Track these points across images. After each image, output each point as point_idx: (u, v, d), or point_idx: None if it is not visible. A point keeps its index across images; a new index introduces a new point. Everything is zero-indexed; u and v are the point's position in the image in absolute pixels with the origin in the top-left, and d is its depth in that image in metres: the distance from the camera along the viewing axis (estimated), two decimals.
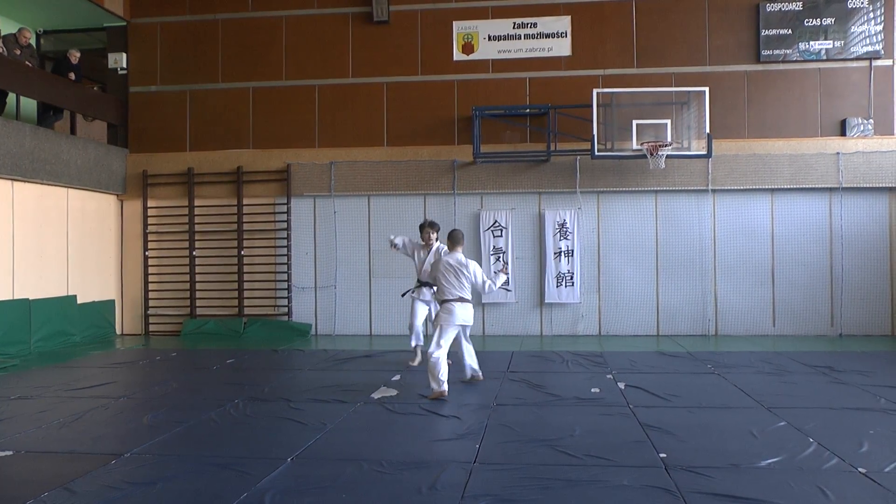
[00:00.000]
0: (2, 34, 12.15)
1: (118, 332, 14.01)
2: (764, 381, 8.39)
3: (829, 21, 12.93)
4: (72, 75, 13.05)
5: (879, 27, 12.84)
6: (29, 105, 12.76)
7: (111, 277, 13.90)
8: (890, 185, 12.63)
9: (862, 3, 12.89)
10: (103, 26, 14.29)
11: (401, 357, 10.44)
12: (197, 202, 13.88)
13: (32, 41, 12.96)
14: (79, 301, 12.78)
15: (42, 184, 11.94)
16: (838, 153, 12.67)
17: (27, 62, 12.09)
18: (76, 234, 12.84)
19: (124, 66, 14.20)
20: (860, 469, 5.09)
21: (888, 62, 12.87)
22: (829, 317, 12.83)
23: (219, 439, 6.09)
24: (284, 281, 13.62)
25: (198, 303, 13.79)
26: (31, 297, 11.59)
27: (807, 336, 12.70)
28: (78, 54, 13.27)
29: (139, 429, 6.46)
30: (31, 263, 11.75)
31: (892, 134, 12.77)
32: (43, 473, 5.22)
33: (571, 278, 12.99)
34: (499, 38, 13.47)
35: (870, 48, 12.86)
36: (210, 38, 14.11)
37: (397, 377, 8.84)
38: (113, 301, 13.87)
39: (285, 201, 13.65)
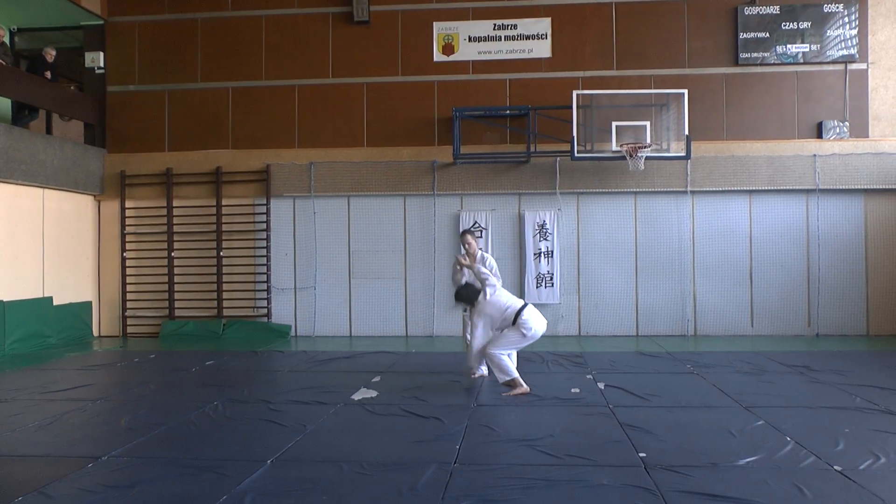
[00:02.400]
0: None
1: (95, 333, 13.87)
2: (742, 381, 8.46)
3: (805, 25, 13.08)
4: (48, 74, 12.90)
5: (854, 31, 13.00)
6: (3, 104, 12.61)
7: (88, 279, 13.76)
8: (865, 187, 12.79)
9: (837, 7, 13.04)
10: (80, 25, 14.14)
11: (380, 358, 10.44)
12: (175, 203, 13.78)
13: (6, 39, 12.82)
14: (55, 302, 12.63)
15: (17, 184, 11.79)
16: (815, 155, 12.80)
17: (1, 61, 11.94)
18: (52, 234, 12.70)
19: (102, 65, 14.06)
20: (836, 467, 5.14)
21: (863, 66, 13.03)
22: (806, 317, 12.96)
23: (198, 441, 6.04)
24: (264, 282, 13.55)
25: (176, 304, 13.69)
26: (5, 299, 11.44)
27: (784, 336, 12.83)
28: (54, 53, 13.12)
29: (117, 431, 6.40)
30: (6, 264, 11.59)
31: (867, 136, 12.93)
32: (17, 478, 5.15)
33: (551, 279, 13.03)
34: (479, 39, 13.50)
35: (845, 52, 13.02)
36: (189, 37, 14.02)
37: (377, 378, 8.82)
38: (90, 303, 13.73)
39: (265, 202, 13.58)
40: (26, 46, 14.66)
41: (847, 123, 12.91)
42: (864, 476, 4.96)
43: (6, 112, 12.73)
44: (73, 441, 6.10)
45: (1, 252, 11.48)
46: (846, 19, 13.03)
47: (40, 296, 12.35)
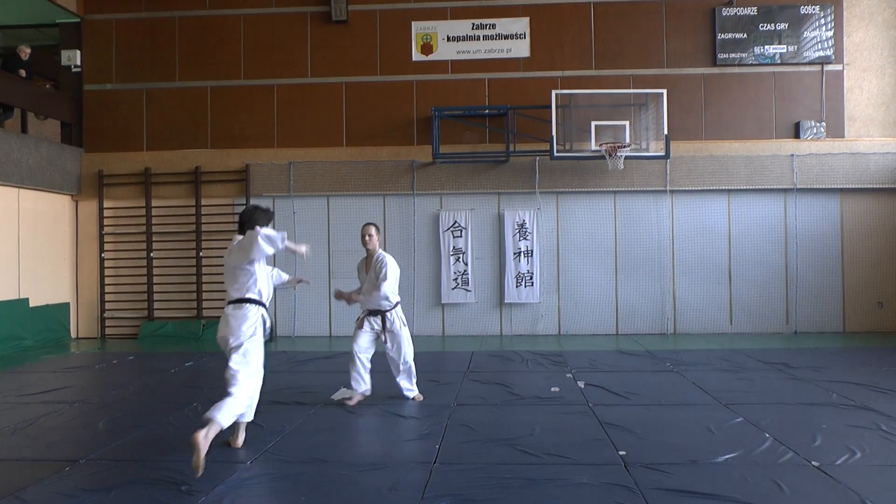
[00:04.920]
0: None
1: (73, 335, 13.72)
2: (721, 378, 8.52)
3: (782, 26, 13.19)
4: (22, 72, 12.75)
5: (830, 33, 13.13)
6: None
7: (66, 280, 13.60)
8: (841, 187, 12.93)
9: (813, 9, 13.17)
10: (56, 22, 13.97)
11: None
12: (154, 203, 13.66)
13: None
14: (31, 304, 12.48)
15: None
16: (792, 155, 12.92)
17: None
18: (28, 235, 12.54)
19: (78, 63, 13.90)
20: (814, 463, 5.20)
21: (838, 67, 13.17)
22: (785, 314, 13.08)
23: (177, 443, 5.99)
24: None
25: (155, 305, 13.57)
26: None
27: (763, 333, 12.93)
28: (28, 50, 12.97)
29: (95, 434, 6.33)
30: None
31: (843, 137, 13.07)
32: None
33: (531, 278, 13.06)
34: (458, 38, 13.49)
35: (821, 53, 13.15)
36: (167, 35, 13.90)
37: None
38: (68, 304, 13.58)
39: (244, 202, 13.49)
40: (0, 44, 14.46)
41: (824, 124, 13.04)
42: (840, 471, 5.02)
43: None
44: (50, 444, 6.03)
45: None
46: (822, 21, 13.16)
47: (16, 297, 12.20)
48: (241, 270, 5.77)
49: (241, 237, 5.74)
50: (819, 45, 13.17)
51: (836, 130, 13.11)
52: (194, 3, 13.86)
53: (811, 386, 8.02)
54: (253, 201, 13.44)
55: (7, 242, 12.08)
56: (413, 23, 13.57)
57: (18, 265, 12.31)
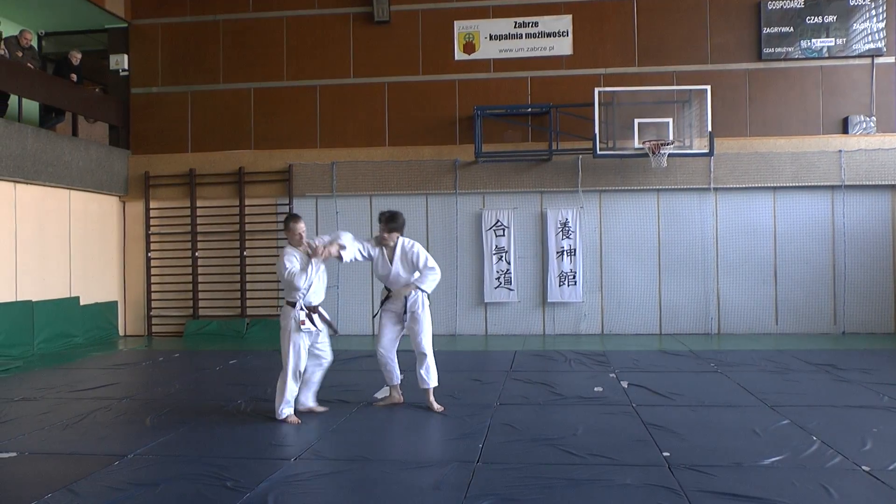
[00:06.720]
0: (3, 36, 12.15)
1: (121, 333, 14.01)
2: (767, 380, 8.38)
3: (830, 19, 12.92)
4: (73, 77, 13.05)
5: (881, 24, 12.82)
6: (31, 107, 12.77)
7: (114, 279, 13.90)
8: (892, 183, 12.61)
9: (864, 0, 12.87)
10: (104, 28, 14.29)
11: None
12: (199, 203, 13.89)
13: (34, 43, 12.97)
14: (81, 302, 12.78)
15: (44, 185, 11.95)
16: (840, 151, 12.65)
17: (29, 64, 12.09)
18: (78, 235, 12.85)
19: (125, 67, 14.20)
20: (864, 467, 5.08)
21: (890, 59, 12.85)
22: (832, 314, 12.81)
23: (221, 440, 6.09)
24: None
25: (200, 304, 13.80)
26: (33, 299, 11.59)
27: (809, 334, 12.68)
28: (79, 56, 13.27)
29: (142, 430, 6.46)
30: (34, 265, 11.75)
31: (895, 131, 12.75)
32: (46, 475, 5.23)
33: (574, 277, 12.98)
34: (500, 37, 13.47)
35: (871, 46, 12.84)
36: (211, 38, 14.12)
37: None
38: (116, 302, 13.88)
39: (287, 202, 13.65)
40: (53, 50, 14.84)
41: (874, 118, 12.74)
42: (892, 476, 4.89)
43: (34, 115, 12.90)
44: (100, 439, 6.17)
45: (29, 253, 11.64)
46: (873, 12, 12.85)
47: (67, 296, 12.50)
48: None
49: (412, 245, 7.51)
50: (869, 37, 12.85)
51: (886, 125, 12.79)
52: (237, 6, 14.05)
53: (860, 388, 7.84)
54: (296, 202, 13.60)
55: (59, 242, 12.38)
56: (455, 22, 13.58)
57: (70, 264, 12.62)
